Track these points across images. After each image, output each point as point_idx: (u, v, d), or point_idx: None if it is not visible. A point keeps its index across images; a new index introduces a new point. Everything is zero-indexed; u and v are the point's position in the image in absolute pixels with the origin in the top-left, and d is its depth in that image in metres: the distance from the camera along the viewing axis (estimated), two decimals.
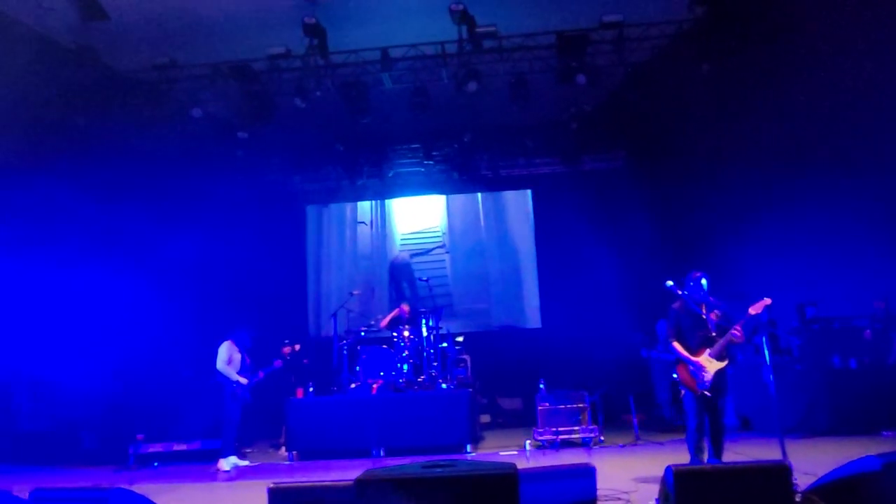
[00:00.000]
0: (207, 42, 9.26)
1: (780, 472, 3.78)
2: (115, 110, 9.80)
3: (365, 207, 13.79)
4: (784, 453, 5.09)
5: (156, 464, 8.87)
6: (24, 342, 10.18)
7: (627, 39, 9.21)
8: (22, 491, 5.06)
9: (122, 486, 4.86)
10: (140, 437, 8.99)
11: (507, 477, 2.03)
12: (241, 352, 8.85)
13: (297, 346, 10.12)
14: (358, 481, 2.63)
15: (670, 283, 5.76)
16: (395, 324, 10.04)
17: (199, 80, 9.94)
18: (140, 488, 5.36)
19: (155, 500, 4.78)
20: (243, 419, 8.75)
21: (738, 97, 9.41)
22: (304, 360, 10.47)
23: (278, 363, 9.13)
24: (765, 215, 9.77)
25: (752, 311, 5.43)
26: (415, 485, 2.02)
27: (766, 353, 5.54)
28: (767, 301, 5.43)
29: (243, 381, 8.69)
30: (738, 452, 6.88)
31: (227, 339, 8.85)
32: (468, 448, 8.41)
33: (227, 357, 8.70)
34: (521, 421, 10.83)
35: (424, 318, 9.70)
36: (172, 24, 8.84)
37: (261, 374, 8.93)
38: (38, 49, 8.73)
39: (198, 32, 9.06)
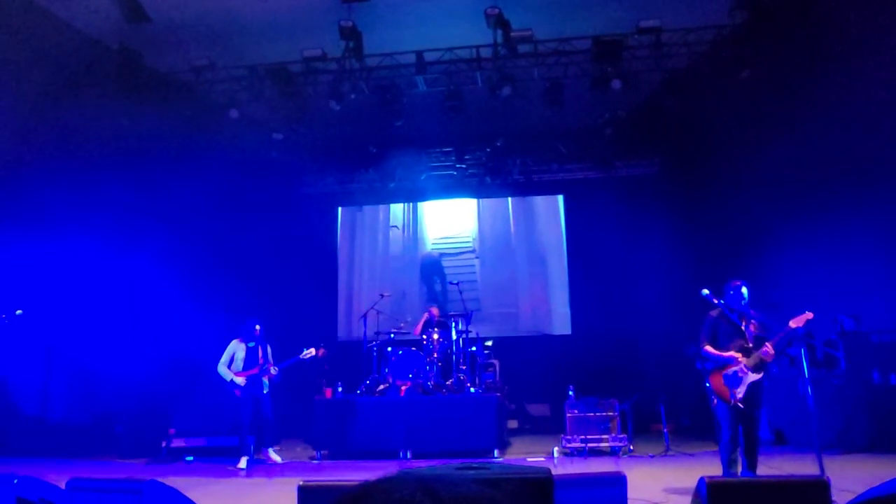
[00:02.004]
0: (245, 44, 9.42)
1: (819, 488, 3.67)
2: (156, 110, 10.01)
3: (396, 210, 13.84)
4: (822, 468, 4.96)
5: (190, 458, 9.00)
6: (61, 336, 10.43)
7: (665, 45, 9.11)
8: (57, 481, 5.17)
9: (155, 479, 4.93)
10: (172, 431, 9.13)
11: (543, 481, 2.01)
12: (256, 345, 8.66)
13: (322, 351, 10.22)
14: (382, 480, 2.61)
15: (706, 291, 5.66)
16: (426, 327, 10.06)
17: (237, 81, 10.10)
18: (171, 481, 5.43)
19: (186, 494, 4.85)
20: (260, 416, 8.57)
21: (777, 105, 9.24)
22: (325, 367, 10.51)
23: (320, 352, 9.02)
24: (802, 225, 9.56)
25: (793, 324, 5.30)
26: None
27: (805, 366, 5.41)
28: (809, 315, 5.31)
29: (238, 380, 8.51)
30: (771, 466, 6.72)
31: (234, 338, 8.79)
32: (495, 453, 8.37)
33: (227, 357, 8.63)
34: (549, 428, 10.75)
35: (454, 321, 9.69)
36: (211, 26, 9.01)
37: (271, 369, 8.62)
38: (85, 50, 8.96)
39: (236, 34, 9.21)
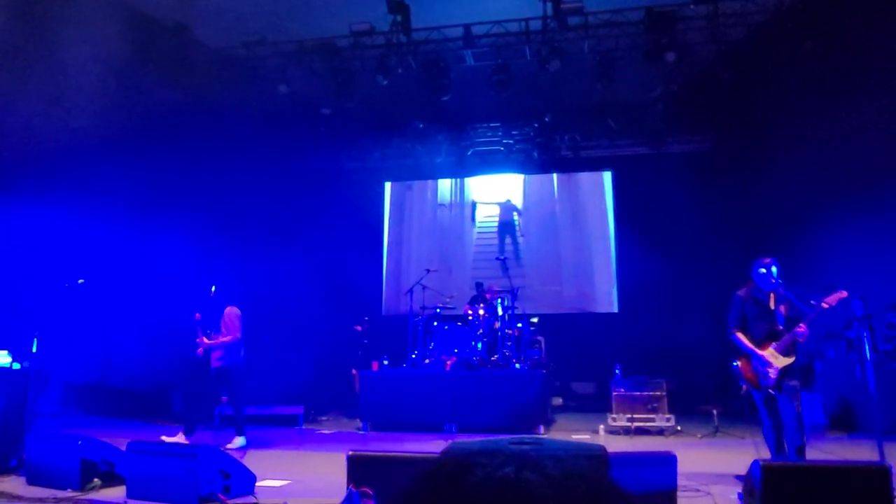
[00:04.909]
0: (295, 19, 9.45)
1: (880, 474, 3.56)
2: (207, 85, 10.15)
3: (443, 185, 13.84)
4: (882, 455, 4.80)
5: None
6: (120, 306, 10.79)
7: (723, 15, 8.78)
8: (117, 443, 5.40)
9: (210, 445, 5.10)
10: (224, 399, 9.39)
11: (598, 458, 1.99)
12: (214, 311, 7.71)
13: (360, 327, 10.40)
14: (445, 453, 2.64)
15: (763, 270, 5.40)
16: (473, 301, 10.08)
17: (286, 56, 10.16)
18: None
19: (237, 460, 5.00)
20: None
21: (841, 78, 8.82)
22: (364, 340, 10.68)
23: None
24: (864, 206, 9.16)
25: (826, 303, 4.97)
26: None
27: (867, 349, 5.19)
28: (843, 294, 4.96)
29: (199, 350, 7.63)
30: (827, 452, 6.56)
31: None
32: (540, 430, 8.37)
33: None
34: (593, 405, 10.70)
35: (500, 297, 9.69)
36: (262, 0, 9.05)
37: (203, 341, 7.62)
38: (138, 25, 9.12)
39: (286, 9, 9.24)
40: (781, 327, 5.21)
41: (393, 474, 3.78)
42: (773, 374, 5.12)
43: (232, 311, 7.63)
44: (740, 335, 5.34)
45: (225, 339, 7.51)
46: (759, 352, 5.19)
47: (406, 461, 3.99)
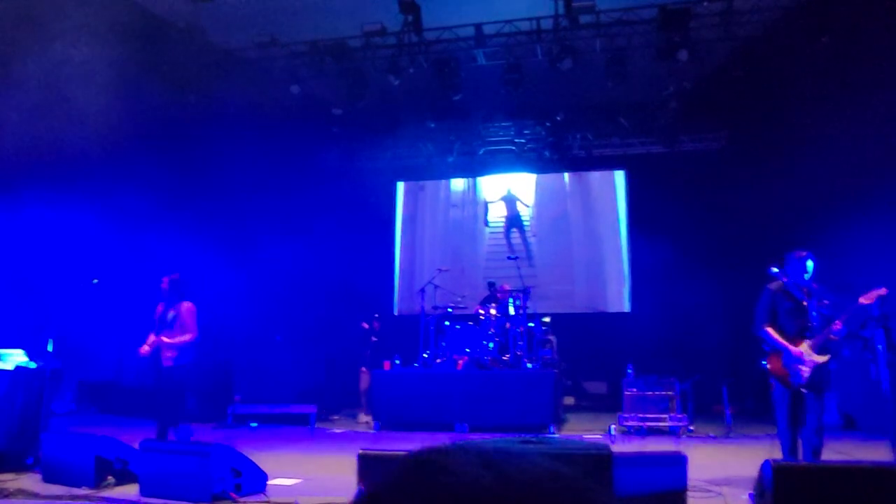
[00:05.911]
0: (306, 20, 9.48)
1: (893, 475, 3.53)
2: (219, 87, 10.21)
3: (456, 185, 13.85)
4: None
5: (254, 424, 9.34)
6: (132, 305, 10.89)
7: (736, 12, 8.71)
8: (130, 441, 5.46)
9: (223, 443, 5.14)
10: (237, 398, 9.47)
11: (602, 457, 1.99)
12: (167, 306, 6.84)
13: (367, 325, 10.43)
14: (419, 452, 2.64)
15: (776, 269, 5.31)
16: (485, 301, 10.08)
17: (298, 57, 10.21)
18: (236, 446, 5.64)
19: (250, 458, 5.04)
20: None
21: (859, 74, 8.71)
22: (372, 338, 10.71)
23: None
24: (879, 204, 9.04)
25: (864, 300, 4.83)
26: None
27: (881, 348, 5.11)
28: (882, 291, 4.80)
29: (143, 348, 6.71)
30: (840, 452, 6.49)
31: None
32: (551, 429, 8.36)
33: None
34: (605, 405, 10.67)
35: (512, 297, 9.68)
36: (274, 2, 9.10)
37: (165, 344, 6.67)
38: (149, 26, 9.20)
39: (297, 10, 9.28)
40: (815, 324, 5.03)
41: None
42: (806, 371, 4.95)
43: (189, 308, 6.80)
44: (770, 330, 5.14)
45: (184, 338, 6.63)
46: (794, 348, 4.99)
47: None
